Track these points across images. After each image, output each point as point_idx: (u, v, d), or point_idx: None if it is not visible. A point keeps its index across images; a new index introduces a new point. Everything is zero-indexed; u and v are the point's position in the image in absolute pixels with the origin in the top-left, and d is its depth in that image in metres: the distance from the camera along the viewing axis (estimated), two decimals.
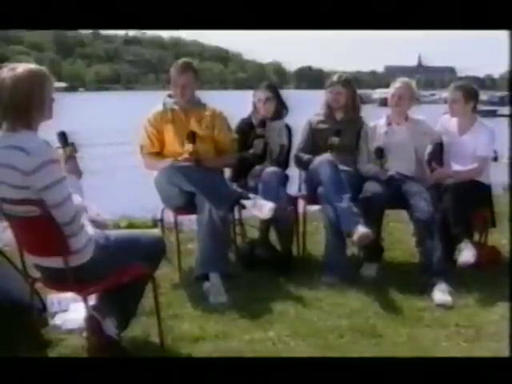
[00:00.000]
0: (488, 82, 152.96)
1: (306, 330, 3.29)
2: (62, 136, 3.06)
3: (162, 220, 4.45)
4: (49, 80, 2.69)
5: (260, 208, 3.86)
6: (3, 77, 2.60)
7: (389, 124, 4.51)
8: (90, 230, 2.82)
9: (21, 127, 2.60)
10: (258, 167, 4.36)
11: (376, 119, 4.64)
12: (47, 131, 2.78)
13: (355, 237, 3.86)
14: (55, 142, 2.91)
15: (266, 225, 4.30)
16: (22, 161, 2.54)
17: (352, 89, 4.59)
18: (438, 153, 4.48)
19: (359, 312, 3.56)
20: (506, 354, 2.75)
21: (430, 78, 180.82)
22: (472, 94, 4.43)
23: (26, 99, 2.59)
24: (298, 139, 4.65)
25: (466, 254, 3.95)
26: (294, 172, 4.68)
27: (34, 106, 2.62)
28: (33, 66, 2.69)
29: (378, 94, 42.99)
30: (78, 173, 3.02)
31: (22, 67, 2.64)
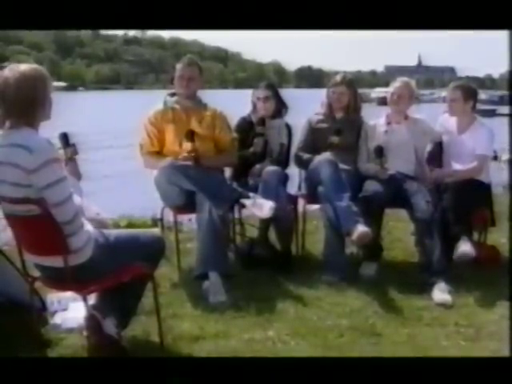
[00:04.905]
0: (487, 82, 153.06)
1: (305, 329, 3.29)
2: (64, 137, 3.07)
3: (161, 219, 4.45)
4: (50, 80, 2.72)
5: (260, 207, 3.86)
6: (6, 76, 2.61)
7: (388, 123, 4.51)
8: (90, 229, 2.83)
9: (24, 125, 2.61)
10: (257, 166, 4.36)
11: (374, 118, 4.65)
12: (46, 130, 2.78)
13: (355, 236, 3.86)
14: (56, 143, 2.91)
15: (265, 224, 4.30)
16: (25, 159, 2.54)
17: (354, 89, 4.60)
18: (438, 152, 4.49)
19: (359, 311, 3.56)
20: (506, 353, 2.76)
21: (430, 77, 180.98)
22: (471, 93, 4.44)
23: (31, 97, 2.61)
24: (297, 138, 4.65)
25: (463, 247, 3.94)
26: (293, 171, 4.68)
27: (37, 104, 2.63)
28: (34, 65, 2.71)
29: (376, 93, 42.96)
30: (77, 175, 3.03)
31: (24, 66, 2.66)
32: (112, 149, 17.98)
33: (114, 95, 77.38)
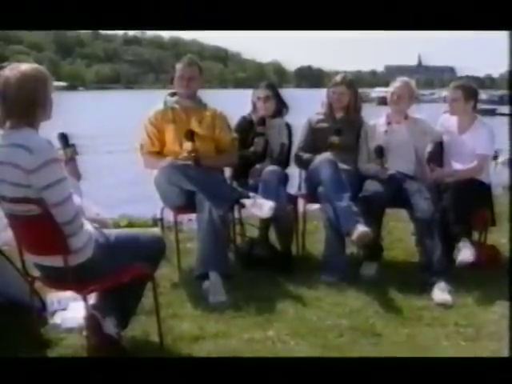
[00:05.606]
0: (487, 82, 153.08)
1: (305, 329, 3.29)
2: (63, 137, 3.06)
3: (161, 219, 4.45)
4: (51, 80, 2.72)
5: (260, 207, 3.86)
6: (7, 75, 2.60)
7: (388, 123, 4.51)
8: (90, 229, 2.82)
9: (24, 125, 2.61)
10: (257, 166, 4.36)
11: (374, 118, 4.65)
12: (46, 130, 2.78)
13: (355, 236, 3.86)
14: (55, 143, 2.90)
15: (265, 224, 4.30)
16: (25, 159, 2.54)
17: (354, 89, 4.60)
18: (438, 152, 4.49)
19: (359, 311, 3.56)
20: (505, 353, 2.76)
21: (430, 77, 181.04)
22: (471, 92, 4.44)
23: (32, 97, 2.60)
24: (298, 138, 4.65)
25: (465, 253, 3.96)
26: (293, 171, 4.68)
27: (38, 104, 2.63)
28: (35, 65, 2.71)
29: (376, 92, 42.97)
30: (77, 175, 3.02)
31: (25, 66, 2.65)
32: (112, 149, 17.97)
33: (114, 95, 77.33)
